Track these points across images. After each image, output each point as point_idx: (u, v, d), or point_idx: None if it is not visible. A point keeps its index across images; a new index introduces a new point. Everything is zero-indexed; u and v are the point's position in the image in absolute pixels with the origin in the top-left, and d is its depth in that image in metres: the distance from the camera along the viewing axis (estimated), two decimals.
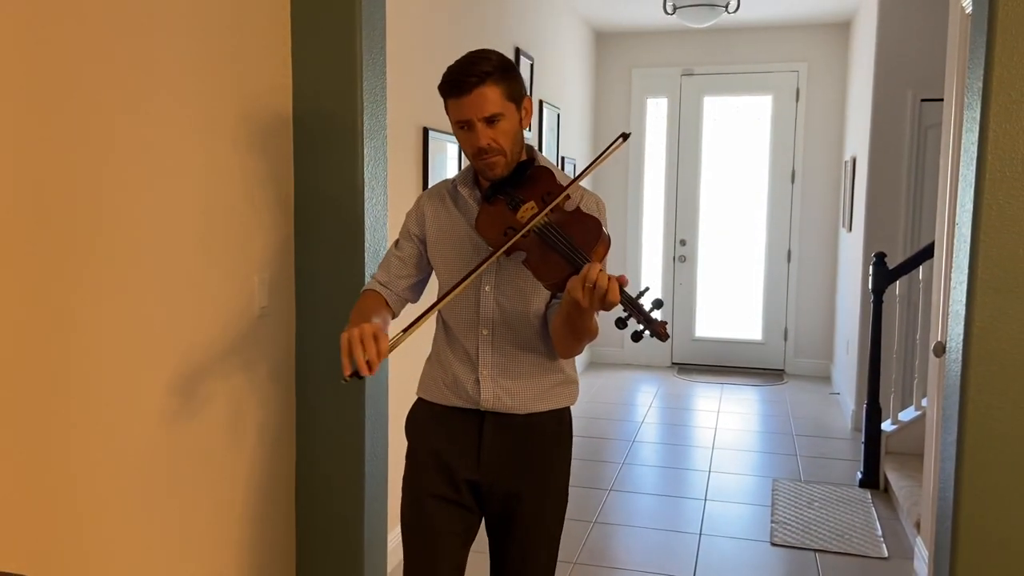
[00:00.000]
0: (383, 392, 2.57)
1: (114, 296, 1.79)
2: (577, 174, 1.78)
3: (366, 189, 2.41)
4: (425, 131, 3.37)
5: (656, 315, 1.59)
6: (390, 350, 1.58)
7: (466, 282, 1.71)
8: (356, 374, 1.55)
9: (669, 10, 4.81)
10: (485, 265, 1.71)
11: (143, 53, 1.84)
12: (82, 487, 1.73)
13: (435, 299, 1.95)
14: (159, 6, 1.88)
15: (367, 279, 2.43)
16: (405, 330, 1.63)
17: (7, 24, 1.51)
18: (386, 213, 2.56)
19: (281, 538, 2.48)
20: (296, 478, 2.52)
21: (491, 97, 1.68)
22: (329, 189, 2.41)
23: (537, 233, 1.69)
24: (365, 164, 2.40)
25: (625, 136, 1.79)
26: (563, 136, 5.80)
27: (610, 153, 1.78)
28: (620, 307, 1.58)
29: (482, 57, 1.72)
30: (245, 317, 2.25)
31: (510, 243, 1.68)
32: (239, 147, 2.19)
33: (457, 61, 1.73)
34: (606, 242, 1.68)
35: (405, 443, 1.96)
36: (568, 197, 1.77)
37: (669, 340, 1.66)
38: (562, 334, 1.76)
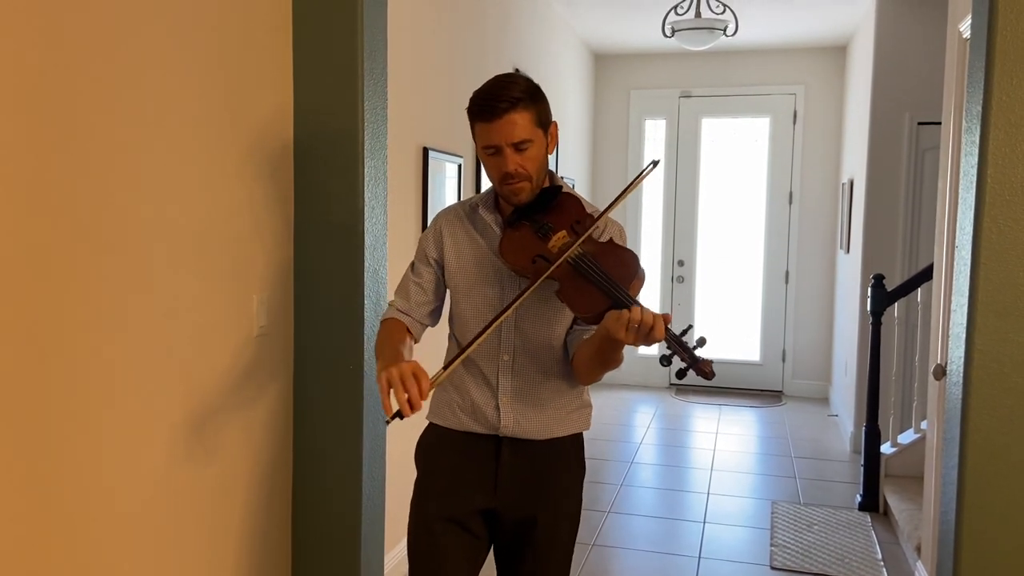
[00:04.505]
0: (381, 412, 2.55)
1: (113, 314, 1.78)
2: (608, 204, 1.74)
3: (366, 208, 2.41)
4: (425, 151, 3.37)
5: (700, 353, 1.56)
6: (431, 388, 1.54)
7: (505, 315, 1.66)
8: (398, 414, 1.52)
9: (668, 33, 4.84)
10: (525, 296, 1.65)
11: (144, 73, 1.84)
12: (77, 494, 1.72)
13: (447, 319, 1.93)
14: (160, 27, 1.88)
15: (366, 299, 2.42)
16: (445, 367, 1.61)
17: (6, 45, 1.51)
18: (386, 233, 2.56)
19: (277, 558, 2.46)
20: (293, 497, 2.50)
21: (521, 123, 1.66)
22: (329, 208, 2.41)
23: (571, 263, 1.65)
24: (365, 184, 2.40)
25: (655, 163, 1.78)
26: (562, 157, 5.82)
27: (640, 180, 1.77)
28: (664, 344, 1.56)
29: (511, 81, 1.69)
30: (244, 337, 2.24)
31: (547, 274, 1.64)
32: (239, 166, 2.19)
33: (486, 84, 1.70)
34: (642, 276, 1.65)
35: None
36: (597, 227, 1.75)
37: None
38: (590, 365, 1.72)
